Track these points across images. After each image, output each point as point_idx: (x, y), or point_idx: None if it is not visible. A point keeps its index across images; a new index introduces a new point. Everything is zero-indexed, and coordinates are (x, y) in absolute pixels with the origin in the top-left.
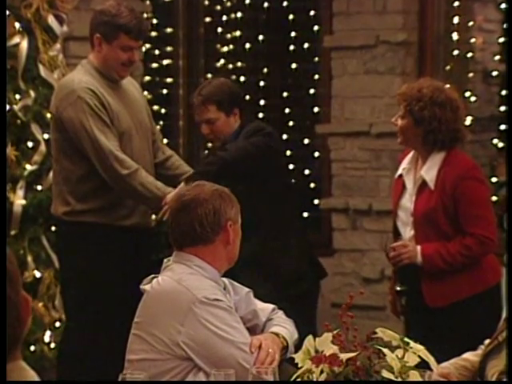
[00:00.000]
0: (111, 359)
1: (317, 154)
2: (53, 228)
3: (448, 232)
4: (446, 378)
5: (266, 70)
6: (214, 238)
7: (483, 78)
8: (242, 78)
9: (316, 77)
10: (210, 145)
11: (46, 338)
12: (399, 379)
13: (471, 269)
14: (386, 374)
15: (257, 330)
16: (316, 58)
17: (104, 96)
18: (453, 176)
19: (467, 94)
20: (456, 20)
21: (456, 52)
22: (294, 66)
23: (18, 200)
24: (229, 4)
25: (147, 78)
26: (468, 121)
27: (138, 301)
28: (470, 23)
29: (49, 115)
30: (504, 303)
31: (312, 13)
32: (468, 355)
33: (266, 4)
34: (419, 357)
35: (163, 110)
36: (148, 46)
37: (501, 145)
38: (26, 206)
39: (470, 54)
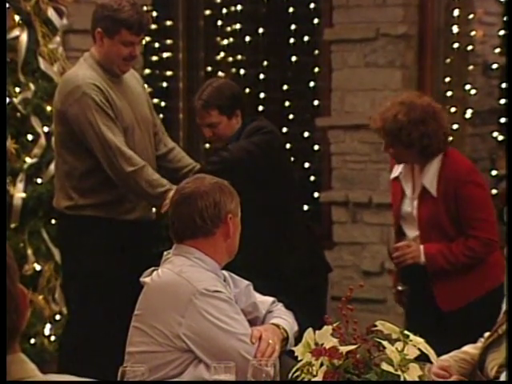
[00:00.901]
0: (112, 352)
1: (317, 147)
2: (53, 221)
3: (452, 233)
4: (446, 370)
5: (265, 62)
6: (214, 231)
7: (483, 70)
8: (242, 71)
9: (316, 70)
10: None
11: (46, 331)
12: (399, 372)
13: (480, 268)
14: (385, 366)
15: (257, 323)
16: (316, 51)
17: (108, 91)
18: (453, 180)
19: (467, 86)
20: (456, 13)
21: (456, 45)
22: (293, 58)
23: (18, 193)
24: None
25: (147, 71)
26: (468, 114)
27: (139, 294)
28: (470, 16)
29: (49, 108)
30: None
31: (312, 5)
32: (468, 348)
33: None
34: (419, 349)
35: (163, 103)
36: (148, 38)
37: (501, 138)
38: (26, 199)
39: (470, 47)
